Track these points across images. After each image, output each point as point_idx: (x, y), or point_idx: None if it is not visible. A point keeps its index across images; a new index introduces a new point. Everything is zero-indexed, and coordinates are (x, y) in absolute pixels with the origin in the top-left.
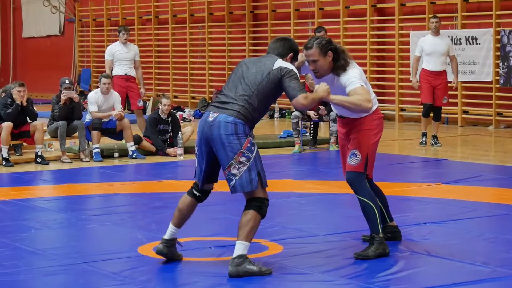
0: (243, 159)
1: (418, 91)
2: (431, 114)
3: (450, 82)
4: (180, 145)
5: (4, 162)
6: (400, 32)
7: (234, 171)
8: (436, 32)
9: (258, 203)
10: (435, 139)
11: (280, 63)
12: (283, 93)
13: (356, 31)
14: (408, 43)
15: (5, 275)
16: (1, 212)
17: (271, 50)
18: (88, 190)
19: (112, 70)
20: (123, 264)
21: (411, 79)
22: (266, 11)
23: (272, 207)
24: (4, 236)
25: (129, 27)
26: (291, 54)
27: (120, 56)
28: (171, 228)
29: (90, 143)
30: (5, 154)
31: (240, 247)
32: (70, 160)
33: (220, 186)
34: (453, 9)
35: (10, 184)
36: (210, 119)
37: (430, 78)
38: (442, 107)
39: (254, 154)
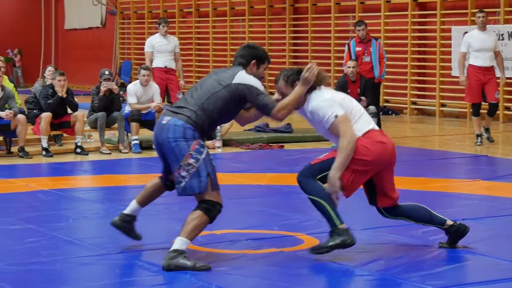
0: (191, 161)
1: (460, 87)
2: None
3: (498, 78)
4: (218, 138)
5: (44, 152)
6: (442, 27)
7: (183, 173)
8: (483, 27)
9: (207, 206)
10: (488, 133)
11: (239, 77)
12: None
13: (397, 26)
14: (449, 38)
15: (42, 263)
16: (39, 202)
17: (235, 59)
18: (126, 181)
19: (152, 62)
20: (159, 255)
21: (459, 77)
22: (306, 4)
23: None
24: (42, 226)
25: (170, 20)
26: (253, 61)
27: (160, 48)
28: (132, 203)
29: (129, 134)
30: (45, 145)
31: (178, 242)
32: (109, 151)
33: (257, 179)
34: (495, 4)
35: (49, 174)
36: (164, 122)
37: (479, 75)
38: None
39: (203, 156)
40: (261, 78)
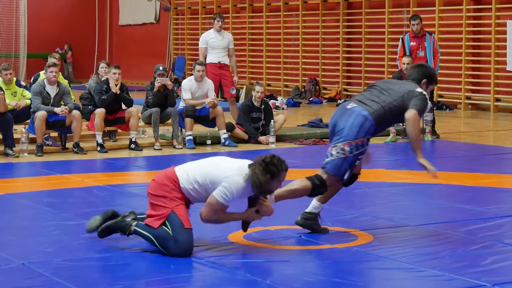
0: (347, 148)
1: None
2: None
3: None
4: (272, 133)
5: (98, 148)
6: (497, 21)
7: (333, 152)
8: None
9: (319, 182)
10: None
11: (420, 89)
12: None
13: (451, 20)
14: (504, 32)
15: (98, 259)
16: (94, 197)
17: (407, 77)
18: None
19: (206, 58)
20: (213, 250)
21: None
22: None
23: (363, 196)
24: None
25: (224, 15)
26: (424, 80)
27: (214, 44)
28: (313, 202)
29: (183, 130)
30: (99, 140)
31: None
32: (160, 147)
33: (310, 175)
34: None
35: (104, 169)
36: (349, 106)
37: None
38: None
39: (358, 152)
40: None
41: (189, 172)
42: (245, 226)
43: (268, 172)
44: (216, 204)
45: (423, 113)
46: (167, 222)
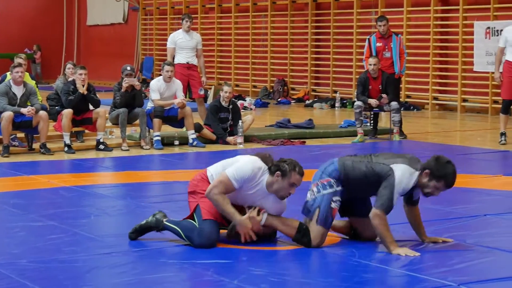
0: (315, 189)
1: (481, 82)
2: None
3: None
4: (240, 134)
5: (66, 149)
6: (464, 22)
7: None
8: None
9: (301, 234)
10: None
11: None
12: None
13: (419, 21)
14: (471, 33)
15: (64, 261)
16: (61, 198)
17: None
18: (148, 178)
19: (174, 58)
20: (181, 251)
21: (488, 72)
22: (329, 0)
23: None
24: (63, 222)
25: (193, 16)
26: (427, 171)
27: (182, 44)
28: None
29: (151, 130)
30: (67, 141)
31: None
32: (128, 148)
33: None
34: None
35: (71, 170)
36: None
37: None
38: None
39: (325, 192)
40: None
41: (215, 169)
42: (230, 232)
43: (278, 169)
44: (224, 178)
45: (389, 209)
46: (194, 215)
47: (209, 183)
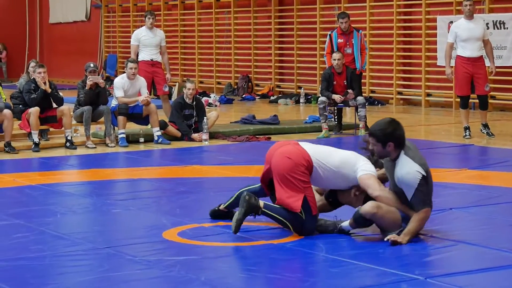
0: None
1: (445, 76)
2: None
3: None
4: (205, 130)
5: (33, 147)
6: (427, 16)
7: None
8: (470, 16)
9: None
10: (487, 129)
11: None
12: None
13: (382, 16)
14: (434, 27)
15: (31, 259)
16: (27, 197)
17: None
18: (113, 175)
19: (137, 55)
20: (147, 249)
21: (445, 68)
22: None
23: None
24: (29, 221)
25: (156, 13)
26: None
27: (146, 42)
28: None
29: (115, 128)
30: (35, 139)
31: None
32: (94, 146)
33: (244, 172)
34: None
35: (37, 169)
36: None
37: (467, 66)
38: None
39: None
40: None
41: (320, 157)
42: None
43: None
44: (374, 176)
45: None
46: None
47: (307, 172)
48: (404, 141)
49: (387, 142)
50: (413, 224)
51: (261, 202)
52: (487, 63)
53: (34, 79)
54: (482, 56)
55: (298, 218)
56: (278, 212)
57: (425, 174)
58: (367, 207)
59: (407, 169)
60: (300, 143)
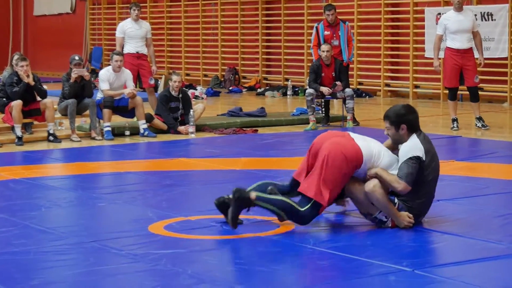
0: None
1: (433, 68)
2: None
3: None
4: (191, 123)
5: (16, 141)
6: (415, 8)
7: None
8: (459, 8)
9: None
10: (481, 121)
11: None
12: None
13: (370, 7)
14: (422, 19)
15: (15, 253)
16: (11, 191)
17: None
18: (99, 169)
19: (123, 48)
20: (134, 242)
21: (433, 59)
22: None
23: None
24: (14, 215)
25: (141, 4)
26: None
27: (132, 34)
28: None
29: (101, 121)
30: (18, 133)
31: None
32: (79, 139)
33: (231, 164)
34: None
35: (21, 162)
36: None
37: (457, 57)
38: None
39: None
40: None
41: (372, 157)
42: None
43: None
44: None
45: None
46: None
47: (354, 171)
48: (417, 125)
49: (400, 124)
50: (388, 176)
51: (253, 194)
52: (476, 55)
53: (15, 72)
54: (471, 48)
55: (293, 209)
56: (273, 203)
57: (422, 158)
58: (371, 185)
59: (410, 143)
60: (351, 135)
